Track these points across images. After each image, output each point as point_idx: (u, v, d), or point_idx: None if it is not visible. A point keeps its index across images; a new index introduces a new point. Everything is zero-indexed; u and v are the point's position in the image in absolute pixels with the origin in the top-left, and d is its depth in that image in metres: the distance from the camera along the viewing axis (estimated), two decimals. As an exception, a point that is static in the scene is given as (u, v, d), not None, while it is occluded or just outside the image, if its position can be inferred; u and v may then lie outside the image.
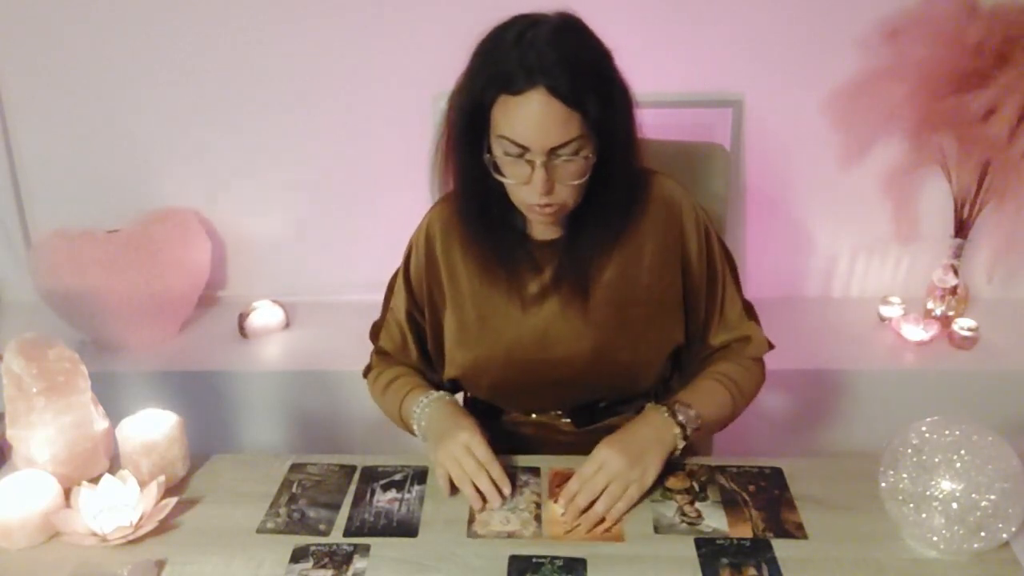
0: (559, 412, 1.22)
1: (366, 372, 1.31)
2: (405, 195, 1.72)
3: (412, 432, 1.19)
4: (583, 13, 1.02)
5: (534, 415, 1.23)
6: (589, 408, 1.22)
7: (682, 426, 1.08)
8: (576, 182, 1.02)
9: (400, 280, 1.23)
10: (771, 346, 1.23)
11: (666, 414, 1.09)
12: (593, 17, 1.02)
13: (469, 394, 1.29)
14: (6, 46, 2.00)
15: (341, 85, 2.01)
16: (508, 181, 1.03)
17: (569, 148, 0.98)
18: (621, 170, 1.05)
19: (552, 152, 0.98)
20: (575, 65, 0.95)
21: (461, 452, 1.06)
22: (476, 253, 1.14)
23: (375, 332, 1.29)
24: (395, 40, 1.95)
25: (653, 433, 1.08)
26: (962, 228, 1.96)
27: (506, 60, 0.96)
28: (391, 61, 1.97)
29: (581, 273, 1.11)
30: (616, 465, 1.03)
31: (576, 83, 0.95)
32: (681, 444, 1.08)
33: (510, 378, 1.17)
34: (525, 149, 0.98)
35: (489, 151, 1.03)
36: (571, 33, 0.98)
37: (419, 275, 1.20)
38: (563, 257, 1.12)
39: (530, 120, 0.96)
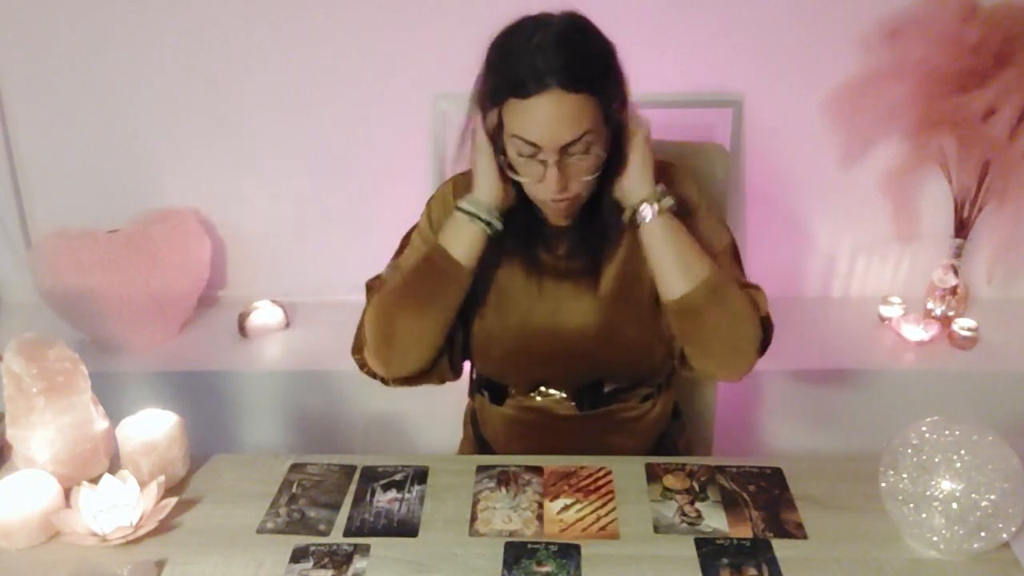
0: (564, 395, 1.22)
1: (358, 341, 1.20)
2: (405, 195, 1.72)
3: (454, 262, 1.09)
4: (584, 12, 1.02)
5: (539, 398, 1.23)
6: (594, 391, 1.22)
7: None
8: (588, 177, 1.04)
9: (417, 235, 1.20)
10: (771, 322, 1.14)
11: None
12: (594, 17, 1.03)
13: (476, 371, 1.30)
14: (6, 46, 2.00)
15: (341, 85, 2.00)
16: (523, 179, 1.05)
17: (580, 144, 1.00)
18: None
19: (564, 150, 1.00)
20: (583, 64, 0.98)
21: None
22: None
23: (370, 285, 1.21)
24: (395, 40, 1.95)
25: None
26: (962, 228, 1.96)
27: (516, 67, 0.98)
28: (391, 61, 1.97)
29: (594, 254, 1.15)
30: None
31: (585, 75, 0.98)
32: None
33: (521, 349, 1.18)
34: (537, 148, 1.00)
35: (503, 153, 1.05)
36: (578, 34, 1.01)
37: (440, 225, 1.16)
38: (575, 242, 1.14)
39: (541, 119, 0.98)
